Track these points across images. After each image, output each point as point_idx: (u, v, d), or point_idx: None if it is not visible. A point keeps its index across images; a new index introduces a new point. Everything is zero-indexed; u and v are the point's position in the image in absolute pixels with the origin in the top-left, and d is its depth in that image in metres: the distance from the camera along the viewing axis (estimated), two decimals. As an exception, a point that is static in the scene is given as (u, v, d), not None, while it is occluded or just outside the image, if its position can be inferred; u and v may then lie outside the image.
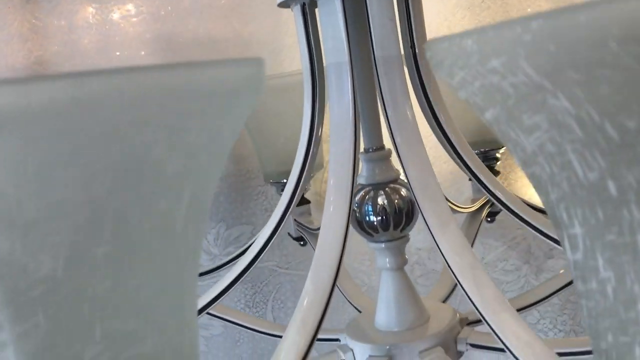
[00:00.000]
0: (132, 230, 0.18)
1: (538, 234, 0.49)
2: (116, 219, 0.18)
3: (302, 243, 0.82)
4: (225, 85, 0.18)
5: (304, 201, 0.79)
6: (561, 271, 0.62)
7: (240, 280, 0.51)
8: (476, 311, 0.34)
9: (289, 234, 0.81)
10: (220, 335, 0.93)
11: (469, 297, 0.34)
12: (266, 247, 0.49)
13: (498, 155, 0.74)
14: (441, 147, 0.82)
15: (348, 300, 0.62)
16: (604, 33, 0.14)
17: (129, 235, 0.18)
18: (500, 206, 0.47)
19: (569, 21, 0.14)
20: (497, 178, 0.64)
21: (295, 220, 0.79)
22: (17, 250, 0.16)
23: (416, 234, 0.87)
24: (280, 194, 0.62)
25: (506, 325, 0.32)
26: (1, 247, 0.15)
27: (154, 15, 0.85)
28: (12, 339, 0.17)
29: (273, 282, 0.92)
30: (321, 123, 0.47)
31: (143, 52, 0.85)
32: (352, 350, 0.49)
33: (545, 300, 0.55)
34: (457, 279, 0.35)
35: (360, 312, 0.60)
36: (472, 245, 0.66)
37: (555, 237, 0.49)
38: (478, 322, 0.53)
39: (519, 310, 0.57)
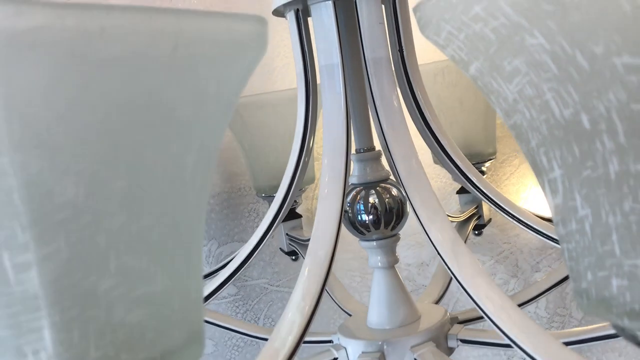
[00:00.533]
0: (145, 170, 0.20)
1: (531, 232, 0.50)
2: (131, 155, 0.19)
3: (293, 258, 0.83)
4: (231, 36, 0.20)
5: (295, 215, 0.80)
6: (538, 279, 0.64)
7: (228, 284, 0.52)
8: (455, 279, 0.35)
9: (280, 249, 0.82)
10: (211, 355, 0.93)
11: (448, 267, 0.36)
12: (257, 249, 0.50)
13: (484, 168, 0.76)
14: (428, 166, 0.83)
15: (339, 306, 0.63)
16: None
17: (143, 174, 0.20)
18: (491, 205, 0.49)
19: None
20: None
21: (287, 234, 0.81)
22: (45, 172, 0.17)
23: (405, 249, 0.89)
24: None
25: (481, 290, 0.33)
26: (32, 166, 0.17)
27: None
28: (37, 260, 0.18)
29: (265, 299, 0.93)
30: (314, 130, 0.49)
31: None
32: (344, 348, 0.50)
33: (533, 301, 0.56)
34: (439, 252, 0.37)
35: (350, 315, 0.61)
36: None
37: (550, 235, 0.51)
38: (468, 321, 0.54)
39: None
